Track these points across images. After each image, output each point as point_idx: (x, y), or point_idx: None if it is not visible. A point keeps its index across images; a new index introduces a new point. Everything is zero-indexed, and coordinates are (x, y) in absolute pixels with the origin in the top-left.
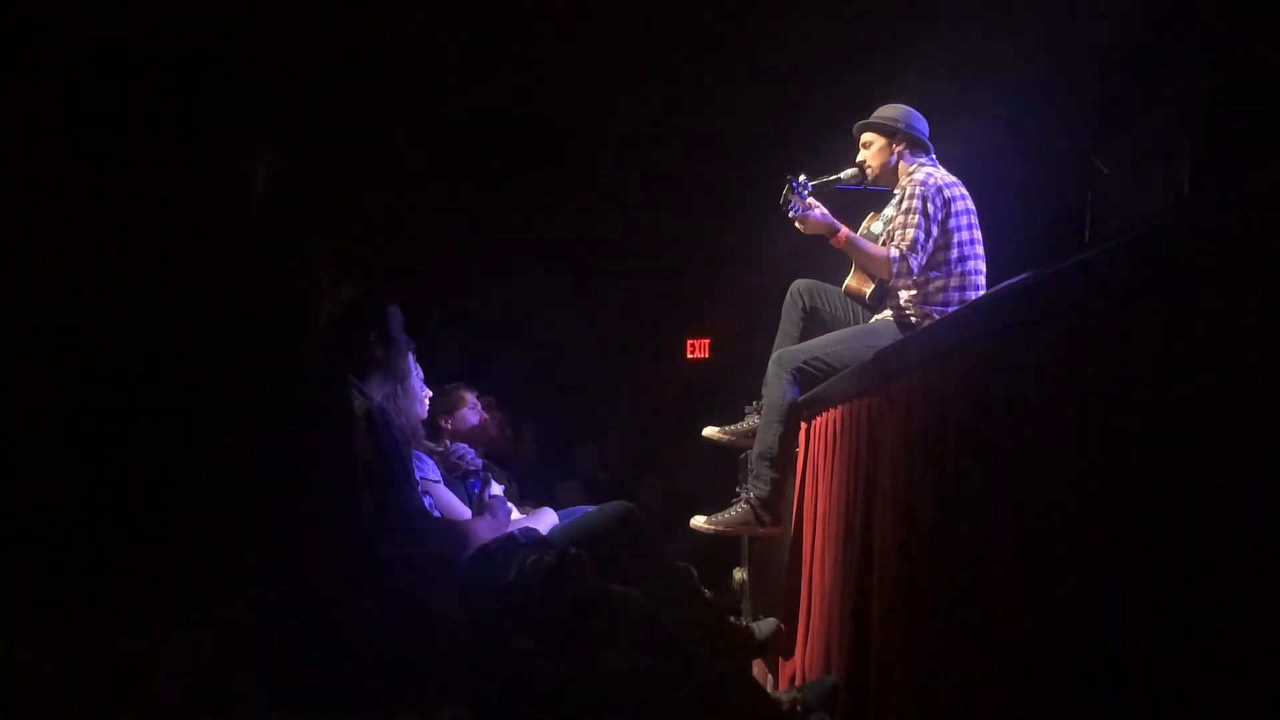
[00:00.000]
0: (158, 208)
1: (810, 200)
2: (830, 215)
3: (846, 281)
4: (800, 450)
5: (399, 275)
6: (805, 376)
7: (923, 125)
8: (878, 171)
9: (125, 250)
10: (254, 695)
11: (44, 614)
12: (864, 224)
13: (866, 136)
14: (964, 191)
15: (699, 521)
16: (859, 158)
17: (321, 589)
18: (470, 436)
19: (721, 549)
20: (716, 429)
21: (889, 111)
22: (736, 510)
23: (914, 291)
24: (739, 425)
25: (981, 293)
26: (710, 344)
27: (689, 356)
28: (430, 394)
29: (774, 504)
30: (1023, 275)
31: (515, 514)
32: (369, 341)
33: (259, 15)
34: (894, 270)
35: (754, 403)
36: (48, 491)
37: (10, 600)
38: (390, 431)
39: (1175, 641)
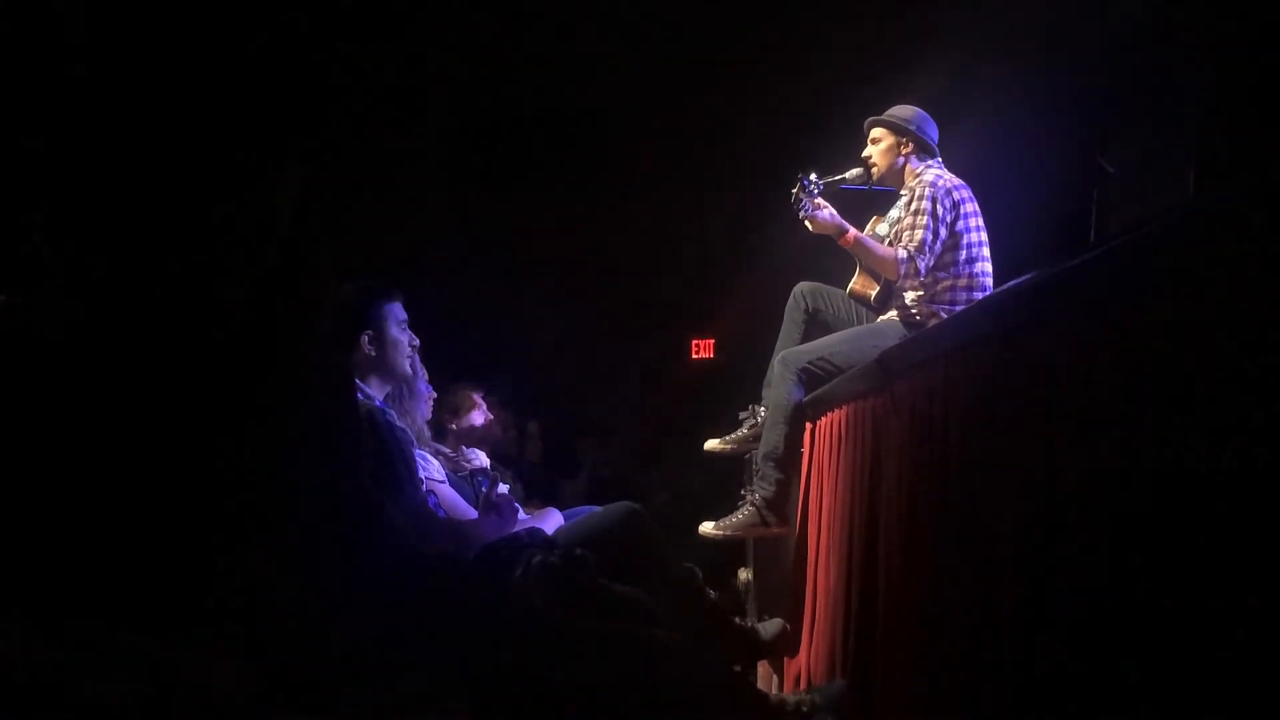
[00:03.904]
0: (193, 214)
1: (819, 200)
2: (838, 215)
3: (851, 284)
4: (805, 451)
5: (402, 274)
6: (810, 377)
7: (933, 130)
8: (884, 170)
9: (149, 258)
10: (256, 692)
11: (49, 610)
12: (869, 226)
13: (876, 133)
14: (971, 194)
15: (707, 528)
16: (865, 153)
17: (325, 587)
18: (476, 436)
19: (727, 550)
20: (717, 441)
21: (902, 111)
22: (743, 513)
23: (921, 292)
24: (738, 433)
25: (988, 293)
26: (715, 344)
27: (694, 357)
28: (434, 394)
29: (780, 505)
30: (1028, 275)
31: (520, 514)
32: (363, 341)
33: (267, 16)
34: (902, 271)
35: (750, 407)
36: (52, 491)
37: (15, 593)
38: (393, 432)
39: (1184, 641)
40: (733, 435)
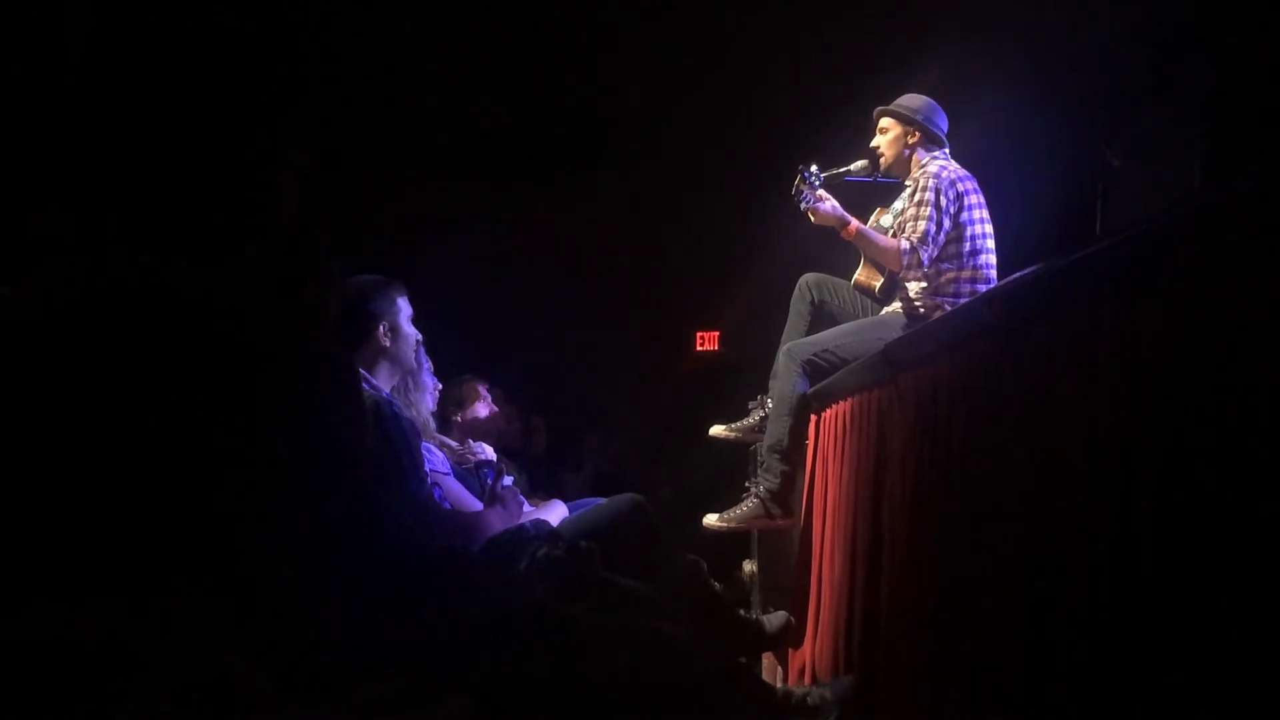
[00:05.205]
0: (193, 208)
1: (821, 192)
2: (840, 207)
3: (856, 275)
4: (810, 442)
5: (407, 268)
6: (815, 369)
7: (942, 121)
8: (890, 160)
9: (152, 253)
10: (263, 684)
11: (54, 600)
12: (872, 218)
13: (884, 122)
14: (976, 185)
15: (711, 519)
16: (873, 142)
17: (328, 581)
18: (481, 429)
19: (731, 542)
20: (723, 427)
21: (911, 101)
22: (747, 505)
23: (924, 284)
24: (745, 421)
25: (993, 286)
26: (719, 336)
27: (698, 349)
28: (439, 386)
29: (784, 496)
30: (1033, 268)
31: (525, 506)
32: (376, 332)
33: (273, 14)
34: (904, 262)
35: (759, 397)
36: (59, 484)
37: (17, 582)
38: (399, 424)
39: (1186, 637)
40: (739, 423)
